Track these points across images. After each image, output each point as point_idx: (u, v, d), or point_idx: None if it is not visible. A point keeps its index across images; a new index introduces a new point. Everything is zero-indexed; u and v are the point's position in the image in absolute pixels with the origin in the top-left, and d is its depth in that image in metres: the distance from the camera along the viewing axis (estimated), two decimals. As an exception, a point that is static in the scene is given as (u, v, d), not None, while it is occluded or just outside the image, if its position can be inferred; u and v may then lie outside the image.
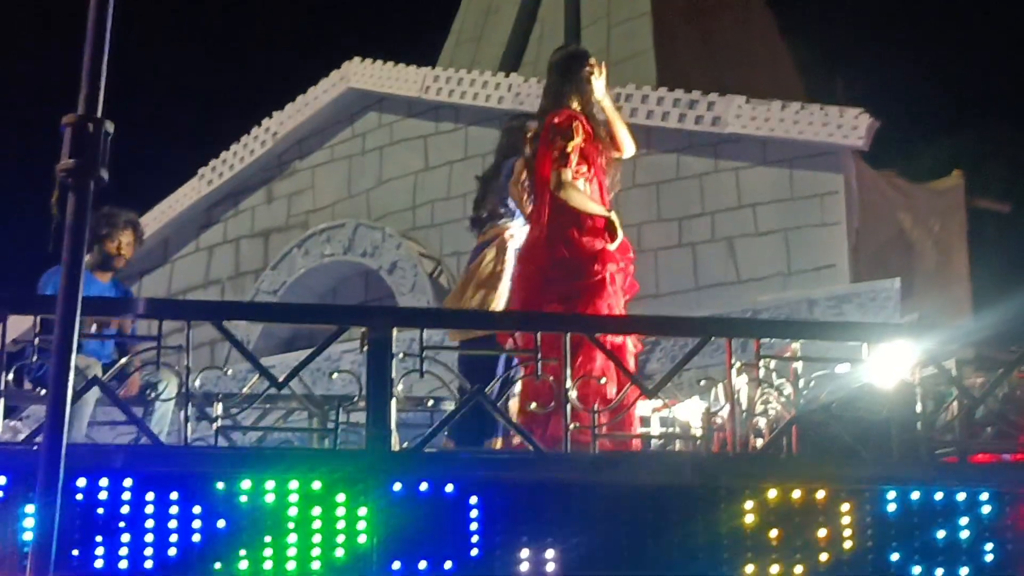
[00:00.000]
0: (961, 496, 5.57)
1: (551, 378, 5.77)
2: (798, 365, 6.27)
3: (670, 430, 6.80)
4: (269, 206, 13.49)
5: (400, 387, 5.57)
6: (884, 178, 11.52)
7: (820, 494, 5.52)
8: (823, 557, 5.49)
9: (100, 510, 5.12)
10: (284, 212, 13.38)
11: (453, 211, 12.15)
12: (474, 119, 12.25)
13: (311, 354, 5.56)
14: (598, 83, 6.98)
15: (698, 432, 6.37)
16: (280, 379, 5.50)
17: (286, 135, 13.34)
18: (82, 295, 4.75)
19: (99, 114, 3.62)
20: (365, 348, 5.48)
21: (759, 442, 6.24)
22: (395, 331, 5.49)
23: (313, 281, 12.84)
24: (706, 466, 5.76)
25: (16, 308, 5.33)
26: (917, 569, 5.50)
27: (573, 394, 5.61)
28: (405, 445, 5.79)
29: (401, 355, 5.62)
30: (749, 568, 5.44)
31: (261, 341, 12.26)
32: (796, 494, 5.50)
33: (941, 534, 5.53)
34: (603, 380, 6.12)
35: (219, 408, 6.15)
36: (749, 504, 5.48)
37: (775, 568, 5.46)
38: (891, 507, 5.53)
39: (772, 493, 5.51)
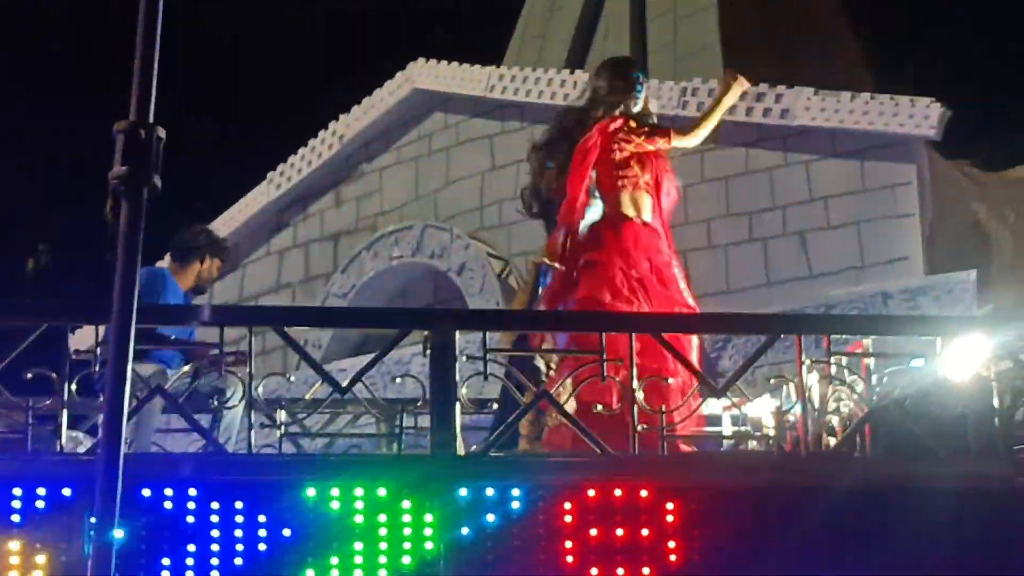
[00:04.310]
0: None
1: (616, 378, 5.69)
2: (870, 361, 6.14)
3: (742, 429, 6.70)
4: (338, 209, 13.50)
5: (464, 390, 5.51)
6: (957, 168, 11.32)
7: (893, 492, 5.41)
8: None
9: (166, 519, 5.10)
10: (353, 215, 13.39)
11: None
12: (540, 117, 12.15)
13: (373, 359, 5.51)
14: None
15: (770, 431, 6.26)
16: (344, 384, 5.46)
17: (352, 138, 13.34)
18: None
19: (151, 119, 3.58)
20: (428, 351, 5.43)
21: (832, 441, 6.11)
22: (458, 334, 5.44)
23: (382, 283, 12.83)
24: (780, 466, 5.67)
25: (73, 317, 5.33)
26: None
27: (640, 395, 5.53)
28: (472, 449, 5.73)
29: (465, 358, 5.57)
30: (825, 568, 5.35)
31: (333, 345, 12.27)
32: (866, 493, 5.40)
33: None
34: (670, 380, 6.03)
35: (284, 415, 6.13)
36: (825, 501, 5.39)
37: (850, 564, 5.36)
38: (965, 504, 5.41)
39: (845, 492, 5.41)
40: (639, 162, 6.91)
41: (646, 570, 5.22)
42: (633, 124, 7.05)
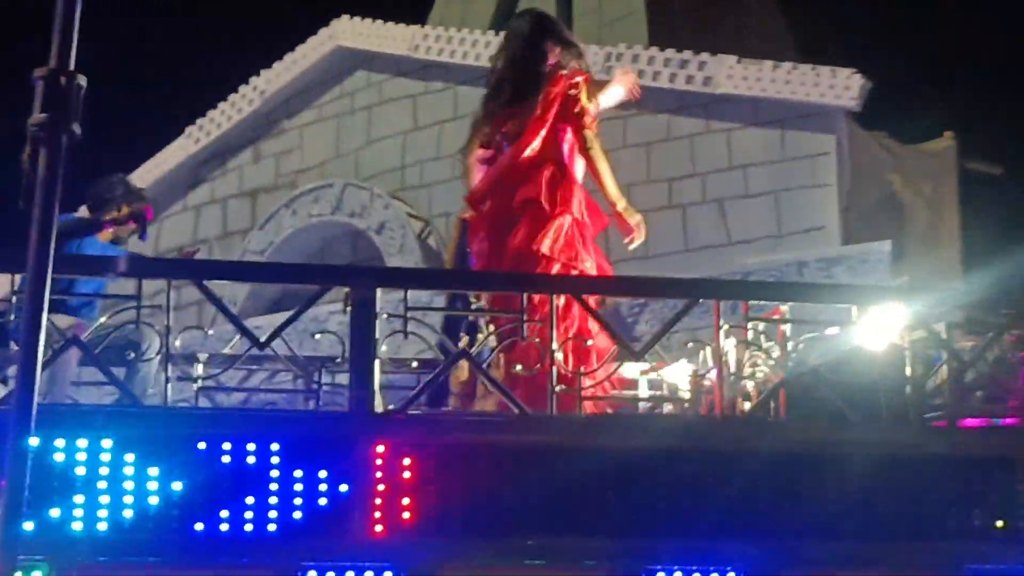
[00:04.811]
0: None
1: (537, 340, 5.71)
2: (787, 328, 6.21)
3: (658, 393, 6.74)
4: (257, 165, 13.39)
5: (384, 348, 5.50)
6: (875, 139, 11.44)
7: (806, 457, 5.48)
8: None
9: (79, 471, 5.06)
10: (272, 172, 13.29)
11: (442, 171, 12.07)
12: (464, 78, 12.13)
13: (292, 314, 5.48)
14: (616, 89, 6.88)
15: (686, 395, 6.31)
16: (263, 339, 5.43)
17: (273, 94, 13.22)
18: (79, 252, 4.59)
19: (71, 67, 3.53)
20: (348, 308, 5.41)
21: (747, 405, 6.18)
22: (380, 292, 5.42)
23: (301, 241, 12.75)
24: (695, 429, 5.72)
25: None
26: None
27: (559, 356, 5.55)
28: (390, 407, 5.73)
29: (386, 316, 5.55)
30: (737, 531, 5.41)
31: (249, 302, 12.19)
32: (780, 459, 5.47)
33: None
34: (590, 342, 6.06)
35: (201, 369, 6.08)
36: (739, 466, 5.45)
37: (762, 528, 5.43)
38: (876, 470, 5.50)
39: (759, 456, 5.48)
40: (583, 122, 6.75)
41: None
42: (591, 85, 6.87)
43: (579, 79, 6.64)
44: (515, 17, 7.38)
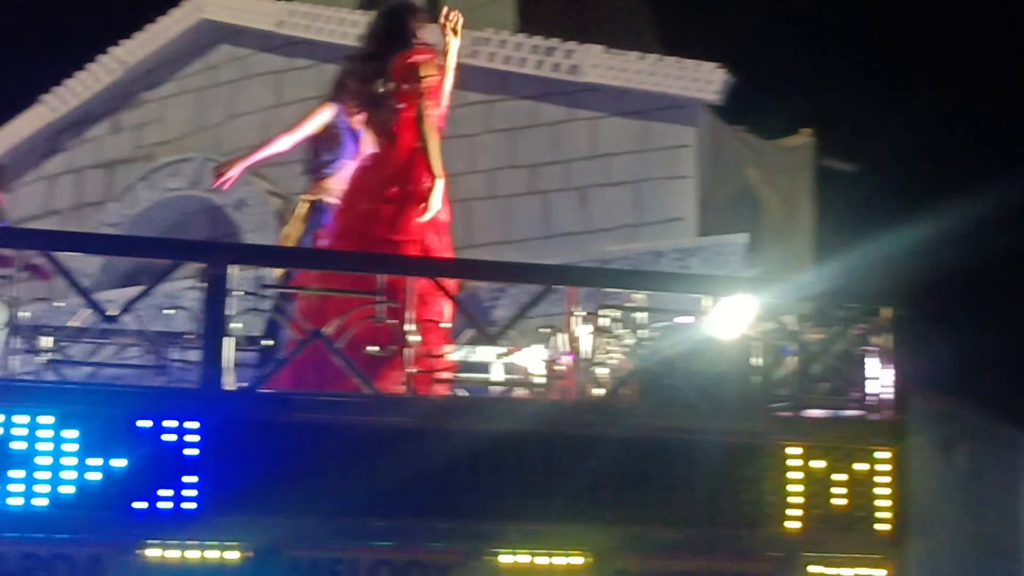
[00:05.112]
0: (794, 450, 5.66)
1: (394, 321, 5.70)
2: (641, 316, 6.27)
3: (512, 377, 6.77)
4: (115, 137, 13.17)
5: (239, 325, 5.45)
6: (735, 133, 11.61)
7: (655, 444, 5.55)
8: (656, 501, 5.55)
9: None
10: (130, 143, 13.07)
11: (304, 149, 11.95)
12: (329, 56, 12.03)
13: (145, 288, 5.41)
14: (455, 40, 6.89)
15: (540, 380, 6.34)
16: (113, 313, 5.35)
17: (135, 65, 13.00)
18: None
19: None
20: (202, 284, 5.35)
21: (599, 392, 6.23)
22: (237, 269, 5.37)
23: (158, 215, 12.57)
24: (547, 414, 5.75)
25: None
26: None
27: (415, 339, 5.55)
28: (243, 385, 5.67)
29: (243, 293, 5.51)
30: (584, 516, 5.47)
31: (102, 275, 11.98)
32: (629, 445, 5.54)
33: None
34: (447, 325, 6.07)
35: (48, 341, 5.96)
36: (589, 451, 5.50)
37: (609, 513, 5.49)
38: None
39: (609, 443, 5.54)
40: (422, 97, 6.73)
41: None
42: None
43: (424, 56, 6.68)
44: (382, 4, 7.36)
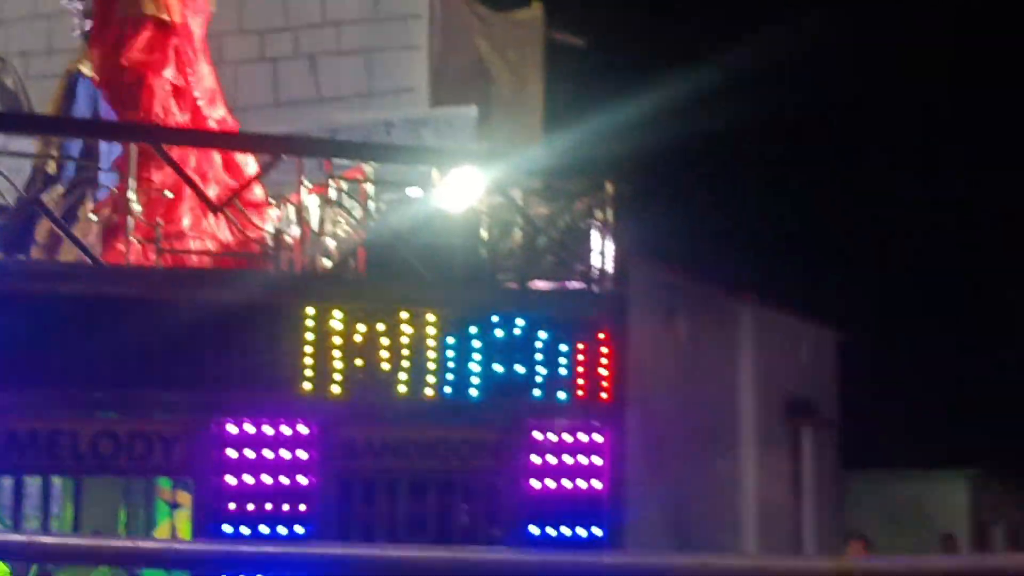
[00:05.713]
0: (520, 321, 5.77)
1: (113, 189, 5.57)
2: (369, 188, 6.28)
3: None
4: None
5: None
6: (466, 4, 11.57)
7: (384, 315, 5.60)
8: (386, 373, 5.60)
9: None
10: None
11: (22, 5, 11.45)
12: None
13: None
14: None
15: (269, 251, 6.30)
16: None
17: None
18: None
19: None
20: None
21: (327, 263, 6.23)
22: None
23: None
24: (273, 284, 5.73)
25: None
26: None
27: (136, 207, 5.44)
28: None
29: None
30: (307, 385, 5.50)
31: None
32: (360, 315, 5.57)
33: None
34: (169, 194, 5.96)
35: None
36: (313, 323, 5.51)
37: (336, 388, 5.53)
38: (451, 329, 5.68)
39: (337, 313, 5.56)
40: None
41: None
42: None
43: None
44: None
